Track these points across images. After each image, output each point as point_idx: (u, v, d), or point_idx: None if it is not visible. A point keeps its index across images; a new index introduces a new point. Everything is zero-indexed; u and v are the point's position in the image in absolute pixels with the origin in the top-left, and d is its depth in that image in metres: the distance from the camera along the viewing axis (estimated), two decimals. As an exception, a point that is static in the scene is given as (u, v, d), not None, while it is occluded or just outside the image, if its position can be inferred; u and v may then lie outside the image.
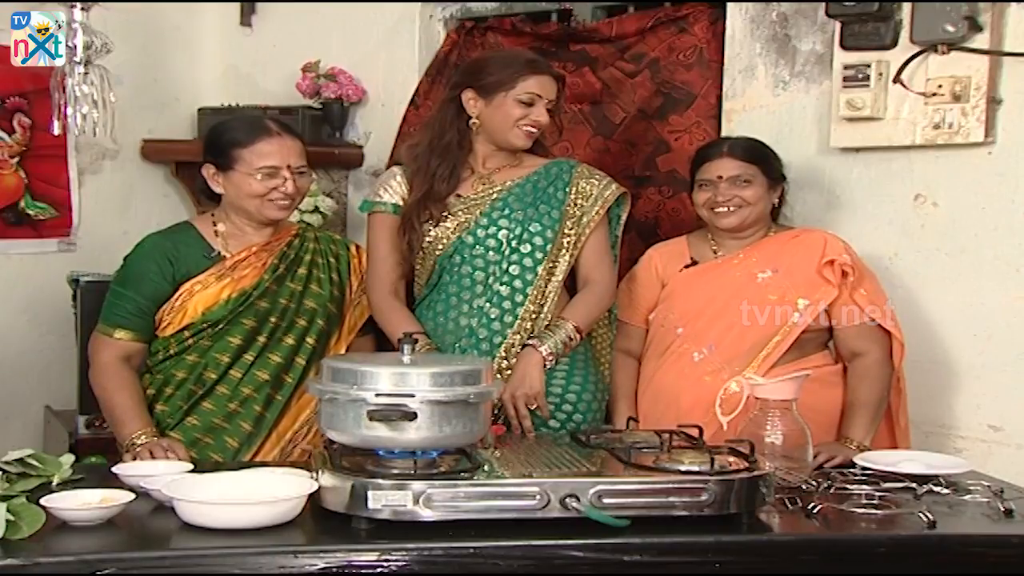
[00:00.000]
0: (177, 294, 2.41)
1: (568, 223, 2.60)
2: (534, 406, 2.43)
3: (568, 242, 2.59)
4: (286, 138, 2.47)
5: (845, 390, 2.58)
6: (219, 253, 2.45)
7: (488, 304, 2.55)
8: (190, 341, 2.42)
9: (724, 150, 2.66)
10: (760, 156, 2.66)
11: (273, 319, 2.45)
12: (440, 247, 2.59)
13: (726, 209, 2.61)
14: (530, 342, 2.49)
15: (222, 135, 2.49)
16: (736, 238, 2.66)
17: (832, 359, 2.64)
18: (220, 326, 2.41)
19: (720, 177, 2.61)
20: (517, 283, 2.56)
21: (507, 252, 2.56)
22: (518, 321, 2.54)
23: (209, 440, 2.39)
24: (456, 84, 2.64)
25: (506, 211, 2.58)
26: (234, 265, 2.44)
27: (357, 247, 2.68)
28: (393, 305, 2.60)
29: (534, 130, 2.57)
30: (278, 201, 2.44)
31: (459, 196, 2.60)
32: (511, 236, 2.56)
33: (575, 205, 2.61)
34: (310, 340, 2.48)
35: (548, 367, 2.48)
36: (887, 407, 2.59)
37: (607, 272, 2.64)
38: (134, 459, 2.22)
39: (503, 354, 2.52)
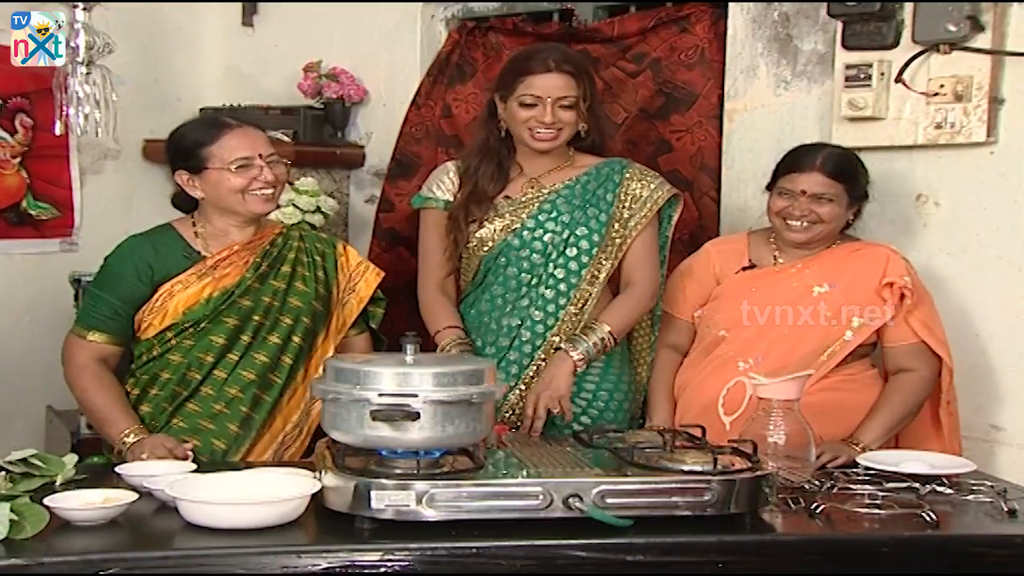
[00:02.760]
0: (157, 295, 2.38)
1: (615, 225, 2.59)
2: (557, 410, 2.44)
3: (613, 244, 2.59)
4: (248, 129, 2.44)
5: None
6: (198, 253, 2.42)
7: (533, 308, 2.56)
8: (173, 341, 2.39)
9: (817, 164, 2.52)
10: (849, 174, 2.56)
11: (257, 317, 2.42)
12: (486, 248, 2.60)
13: (799, 224, 2.53)
14: (563, 346, 2.50)
15: (183, 139, 2.44)
16: (798, 248, 2.60)
17: (869, 365, 2.60)
18: (203, 325, 2.39)
19: (804, 192, 2.52)
20: (562, 286, 2.56)
21: (553, 255, 2.57)
22: (559, 323, 2.55)
23: (196, 442, 2.35)
24: (491, 88, 2.68)
25: (553, 214, 2.58)
26: (215, 264, 2.41)
27: (345, 246, 2.64)
28: (438, 299, 2.63)
29: (544, 131, 2.53)
30: (260, 192, 2.40)
31: (507, 198, 2.61)
32: (557, 240, 2.56)
33: (624, 208, 2.60)
34: (296, 339, 2.45)
35: (579, 371, 2.49)
36: (940, 432, 2.56)
37: (650, 274, 2.62)
38: (147, 459, 2.19)
39: (543, 356, 2.54)
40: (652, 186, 2.62)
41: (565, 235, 2.56)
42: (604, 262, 2.58)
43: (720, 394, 2.48)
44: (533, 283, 2.57)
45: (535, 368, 2.54)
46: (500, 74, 2.64)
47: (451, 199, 2.64)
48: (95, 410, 2.37)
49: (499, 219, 2.59)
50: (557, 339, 2.54)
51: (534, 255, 2.57)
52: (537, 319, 2.56)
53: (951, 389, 2.55)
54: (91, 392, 2.37)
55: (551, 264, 2.56)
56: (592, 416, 2.54)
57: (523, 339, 2.55)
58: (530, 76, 2.52)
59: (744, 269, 2.65)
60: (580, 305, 2.56)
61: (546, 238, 2.57)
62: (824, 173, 2.53)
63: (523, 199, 2.60)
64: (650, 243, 2.63)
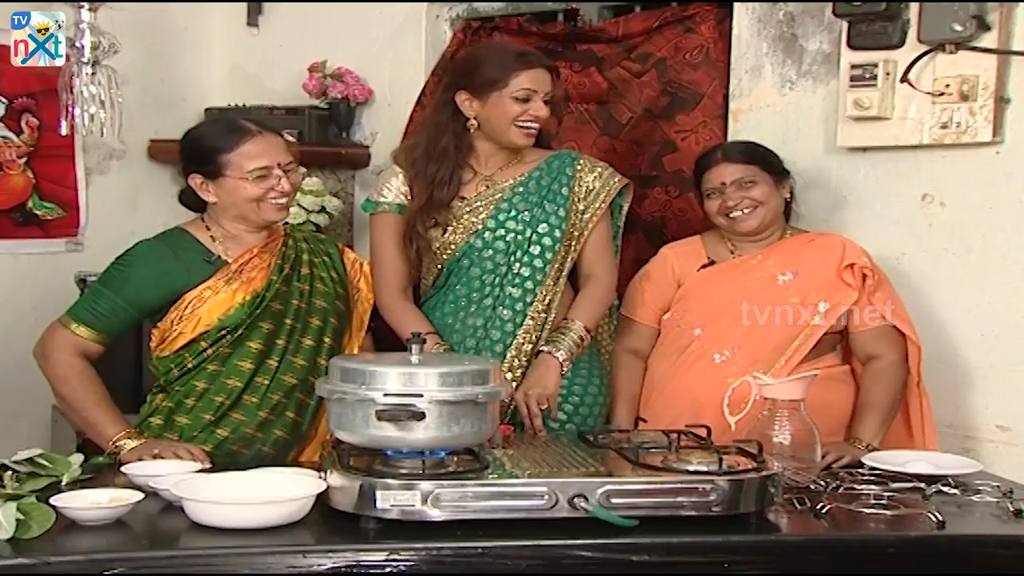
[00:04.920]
0: (184, 302, 2.35)
1: (572, 219, 2.59)
2: (545, 406, 2.43)
3: (572, 238, 2.59)
4: (269, 136, 2.40)
5: (854, 391, 2.58)
6: (219, 257, 2.40)
7: (500, 307, 2.55)
8: (209, 351, 2.36)
9: (720, 156, 2.65)
10: (756, 155, 2.65)
11: (288, 321, 2.41)
12: (448, 252, 2.59)
13: (741, 213, 2.59)
14: (545, 348, 2.49)
15: (201, 142, 2.41)
16: (753, 240, 2.65)
17: (839, 360, 2.63)
18: (239, 331, 2.36)
19: (724, 183, 2.60)
20: (528, 284, 2.55)
21: (517, 254, 2.56)
22: (527, 320, 2.54)
23: (244, 450, 2.35)
24: (449, 85, 2.62)
25: (512, 212, 2.57)
26: (240, 268, 2.39)
27: (341, 245, 2.65)
28: (403, 304, 2.60)
29: (533, 126, 2.54)
30: (275, 201, 2.38)
31: (463, 199, 2.59)
32: (520, 238, 2.56)
33: (579, 200, 2.60)
34: (327, 339, 2.45)
35: (565, 372, 2.49)
36: (904, 410, 2.58)
37: (609, 267, 2.63)
38: (154, 459, 2.17)
39: (514, 353, 2.53)
40: (604, 177, 2.63)
41: (528, 233, 2.55)
42: (566, 257, 2.58)
43: (701, 388, 2.54)
44: (497, 282, 2.56)
45: (507, 367, 2.51)
46: (476, 70, 2.54)
47: (403, 202, 2.60)
48: (82, 409, 2.32)
49: (457, 222, 2.57)
50: (528, 337, 2.52)
51: (497, 255, 2.56)
52: (505, 318, 2.54)
53: (919, 369, 2.56)
54: (81, 391, 2.32)
55: (516, 263, 2.55)
56: (568, 412, 2.53)
57: (493, 339, 2.54)
58: (526, 71, 2.51)
59: (704, 266, 2.68)
60: (546, 302, 2.56)
61: (508, 237, 2.56)
62: (730, 160, 2.63)
63: (479, 199, 2.59)
64: (606, 235, 2.64)
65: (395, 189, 2.62)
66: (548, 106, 2.55)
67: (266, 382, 2.37)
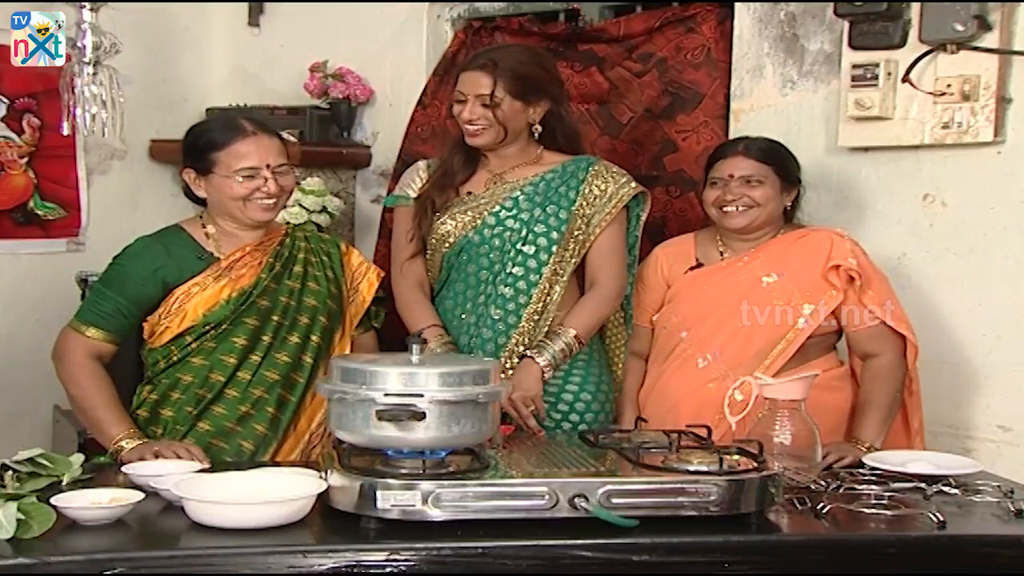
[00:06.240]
0: (173, 297, 2.37)
1: (578, 222, 2.58)
2: (531, 408, 2.43)
3: (577, 242, 2.58)
4: (262, 137, 2.40)
5: (851, 393, 2.57)
6: (212, 254, 2.42)
7: (492, 305, 2.55)
8: (193, 345, 2.38)
9: (739, 149, 2.62)
10: (775, 157, 2.62)
11: (276, 317, 2.42)
12: (448, 245, 2.59)
13: (734, 209, 2.58)
14: (528, 353, 2.49)
15: (198, 138, 2.44)
16: (744, 239, 2.64)
17: (838, 362, 2.62)
18: (223, 327, 2.38)
19: (731, 176, 2.58)
20: (521, 284, 2.55)
21: (511, 253, 2.55)
22: (522, 322, 2.54)
23: (223, 444, 2.36)
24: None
25: (514, 211, 2.57)
26: (230, 265, 2.41)
27: (347, 245, 2.65)
28: (418, 298, 2.62)
29: (470, 127, 2.54)
30: (261, 202, 2.39)
31: (471, 193, 2.61)
32: (515, 236, 2.55)
33: (587, 204, 2.58)
34: (315, 338, 2.45)
35: (547, 378, 2.49)
36: (901, 409, 2.58)
37: (614, 274, 2.61)
38: (156, 458, 2.18)
39: (506, 355, 2.52)
40: (617, 183, 2.60)
41: (523, 232, 2.55)
42: (567, 260, 2.56)
43: (682, 393, 2.54)
44: (491, 280, 2.56)
45: (501, 366, 2.51)
46: None
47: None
48: (90, 409, 2.34)
49: (461, 214, 2.58)
50: (519, 339, 2.52)
51: (493, 252, 2.56)
52: (496, 317, 2.54)
53: (914, 368, 2.56)
54: (91, 391, 2.34)
55: (510, 262, 2.55)
56: (556, 419, 2.52)
57: (484, 337, 2.54)
58: (462, 73, 2.55)
59: (692, 269, 2.67)
60: (542, 305, 2.54)
61: (505, 235, 2.56)
62: (747, 156, 2.59)
63: (486, 194, 2.60)
64: (615, 242, 2.60)
65: (415, 184, 2.66)
66: (488, 109, 2.51)
67: (248, 377, 2.39)
